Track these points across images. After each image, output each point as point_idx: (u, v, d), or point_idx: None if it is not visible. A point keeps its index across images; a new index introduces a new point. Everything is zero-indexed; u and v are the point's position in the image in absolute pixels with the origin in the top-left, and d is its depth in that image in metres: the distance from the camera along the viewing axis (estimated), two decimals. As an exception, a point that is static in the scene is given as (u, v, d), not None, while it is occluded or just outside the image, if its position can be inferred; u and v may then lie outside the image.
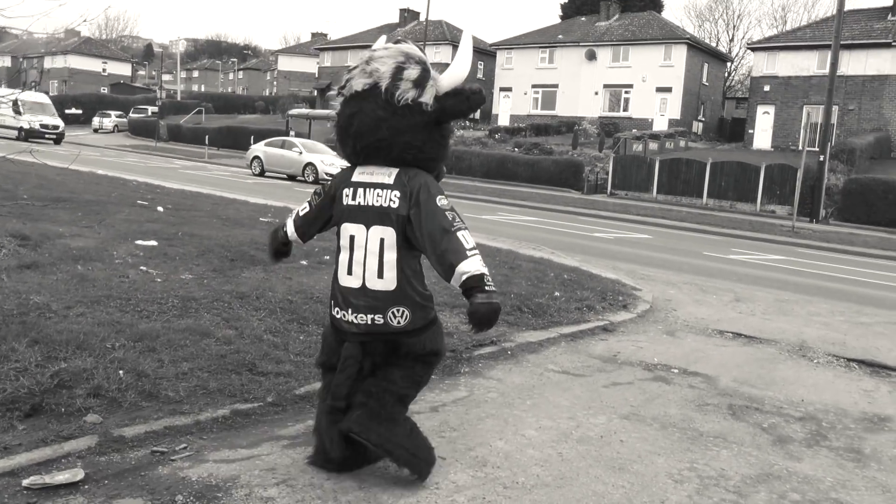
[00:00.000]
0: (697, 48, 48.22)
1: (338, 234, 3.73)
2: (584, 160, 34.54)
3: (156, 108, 58.19)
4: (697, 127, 47.35)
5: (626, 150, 36.99)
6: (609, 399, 5.49)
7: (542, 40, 51.58)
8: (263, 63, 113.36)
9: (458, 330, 6.91)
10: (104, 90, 77.57)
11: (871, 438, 5.23)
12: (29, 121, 39.36)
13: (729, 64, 61.92)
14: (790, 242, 20.08)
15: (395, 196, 3.52)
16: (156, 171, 26.11)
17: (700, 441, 4.77)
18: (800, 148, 38.78)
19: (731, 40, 69.72)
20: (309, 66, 76.64)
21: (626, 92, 47.42)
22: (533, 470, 4.11)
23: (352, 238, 3.62)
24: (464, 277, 3.41)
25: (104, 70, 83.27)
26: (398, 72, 3.50)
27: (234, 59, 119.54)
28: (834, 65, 25.88)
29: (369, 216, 3.56)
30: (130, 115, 61.42)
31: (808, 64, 39.48)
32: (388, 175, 3.57)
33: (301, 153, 28.92)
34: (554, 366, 6.29)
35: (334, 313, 3.73)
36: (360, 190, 3.60)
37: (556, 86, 50.19)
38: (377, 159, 3.59)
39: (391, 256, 3.56)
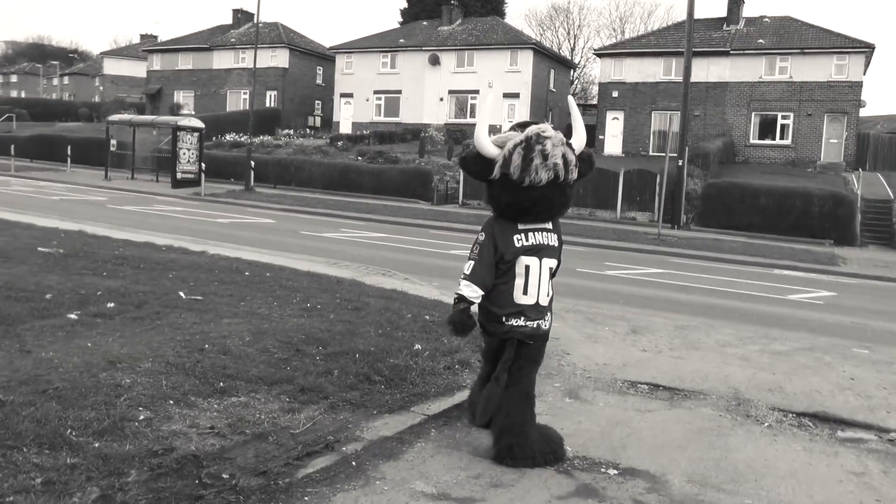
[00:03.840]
0: (544, 54, 47.57)
1: (509, 267, 4.43)
2: (433, 168, 32.37)
3: (-45, 115, 51.52)
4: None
5: (478, 156, 35.35)
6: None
7: (383, 44, 49.14)
8: (91, 68, 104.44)
9: (275, 427, 4.53)
10: None
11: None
12: None
13: (572, 71, 62.32)
14: (659, 251, 18.86)
15: (555, 237, 4.59)
16: (-66, 187, 21.83)
17: None
18: (650, 153, 39.03)
19: (573, 49, 70.45)
20: (138, 69, 70.57)
21: (473, 98, 45.96)
22: None
23: (527, 267, 4.45)
24: None
25: None
26: (566, 161, 4.34)
27: (56, 63, 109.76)
28: (688, 68, 25.34)
29: (540, 251, 4.49)
30: (-77, 121, 54.10)
31: (654, 70, 39.53)
32: (546, 222, 4.57)
33: None
34: (424, 484, 4.06)
35: (505, 322, 4.45)
36: (531, 234, 4.48)
37: (399, 92, 47.99)
38: (545, 220, 4.55)
39: (548, 277, 4.56)
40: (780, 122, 37.37)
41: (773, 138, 37.53)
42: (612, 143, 40.63)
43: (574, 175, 4.40)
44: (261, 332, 6.42)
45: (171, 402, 4.68)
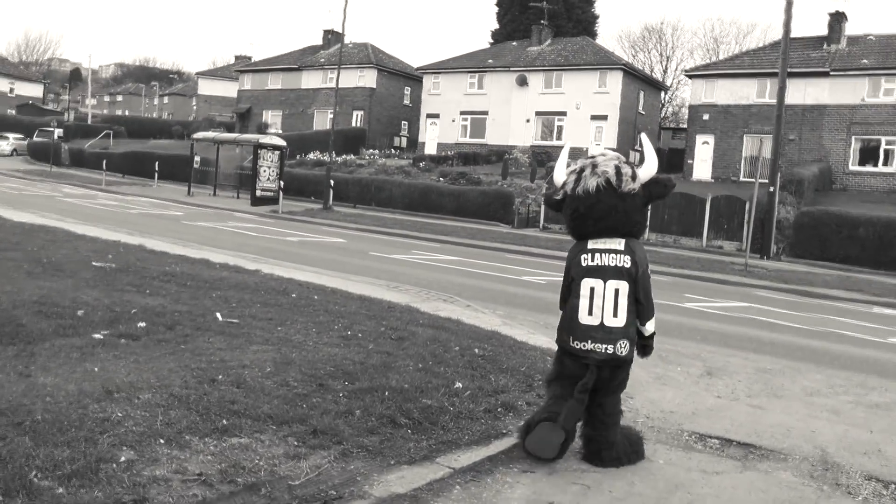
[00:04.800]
0: (633, 75, 46.39)
1: (575, 287, 4.86)
2: (515, 191, 31.68)
3: (60, 132, 53.70)
4: (634, 157, 45.44)
5: (561, 179, 34.46)
6: None
7: (471, 65, 48.89)
8: (189, 88, 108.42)
9: (272, 476, 3.96)
10: (11, 112, 72.13)
11: None
12: None
13: (663, 94, 60.74)
14: (746, 283, 17.65)
15: (627, 259, 4.78)
16: (21, 200, 22.50)
17: None
18: (741, 179, 37.31)
19: (665, 71, 68.77)
20: (230, 89, 72.52)
21: (560, 119, 45.17)
22: None
23: (591, 289, 4.79)
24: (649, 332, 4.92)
25: (11, 91, 77.48)
26: (618, 171, 4.77)
27: (156, 83, 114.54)
28: (782, 89, 23.98)
29: (606, 273, 4.78)
30: (34, 138, 56.67)
31: (747, 92, 37.89)
32: (618, 243, 4.82)
33: None
34: (433, 560, 3.41)
35: (574, 345, 4.79)
36: (598, 255, 4.82)
37: (485, 113, 47.59)
38: (611, 233, 4.82)
39: (623, 302, 4.76)
40: (883, 147, 35.16)
41: (876, 164, 35.35)
42: (702, 168, 39.10)
43: (631, 186, 4.75)
44: (286, 361, 5.90)
45: (162, 441, 4.17)
